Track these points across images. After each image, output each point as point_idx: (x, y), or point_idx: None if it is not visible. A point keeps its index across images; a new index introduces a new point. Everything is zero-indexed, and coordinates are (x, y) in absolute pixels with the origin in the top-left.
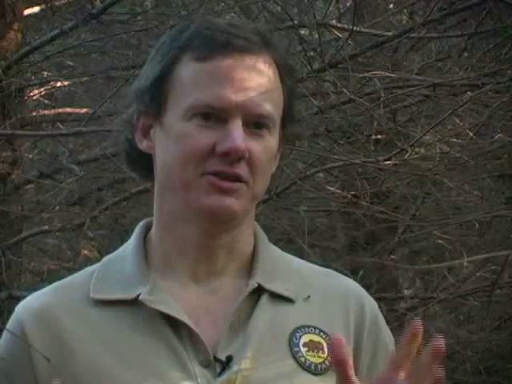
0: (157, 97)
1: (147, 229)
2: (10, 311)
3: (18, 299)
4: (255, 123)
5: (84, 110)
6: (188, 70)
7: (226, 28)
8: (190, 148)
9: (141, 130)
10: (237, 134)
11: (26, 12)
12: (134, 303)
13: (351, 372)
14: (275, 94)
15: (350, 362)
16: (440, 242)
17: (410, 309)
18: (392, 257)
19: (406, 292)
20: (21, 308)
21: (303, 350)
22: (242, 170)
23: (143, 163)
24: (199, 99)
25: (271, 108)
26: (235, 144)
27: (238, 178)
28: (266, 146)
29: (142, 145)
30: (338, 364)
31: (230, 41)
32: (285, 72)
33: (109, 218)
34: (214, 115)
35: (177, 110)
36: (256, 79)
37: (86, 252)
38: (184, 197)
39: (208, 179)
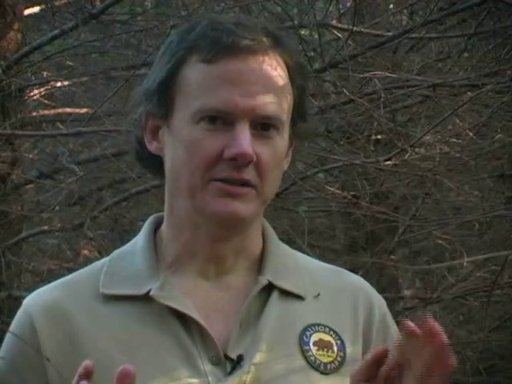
0: (164, 99)
1: (157, 224)
2: (10, 311)
3: (18, 299)
4: (263, 125)
5: (84, 110)
6: (195, 73)
7: (232, 29)
8: (198, 155)
9: (149, 131)
10: (244, 138)
11: (26, 12)
12: (144, 299)
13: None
14: (283, 94)
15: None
16: (440, 242)
17: (410, 309)
18: (392, 257)
19: (406, 292)
20: (30, 302)
21: (313, 348)
22: (249, 175)
23: (153, 163)
24: (206, 103)
25: (279, 109)
26: (243, 149)
27: (245, 183)
28: (274, 148)
29: (151, 146)
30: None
31: (236, 42)
32: (295, 70)
33: (109, 218)
34: (220, 118)
35: (184, 114)
36: (263, 81)
37: (85, 252)
38: (192, 202)
39: (215, 185)
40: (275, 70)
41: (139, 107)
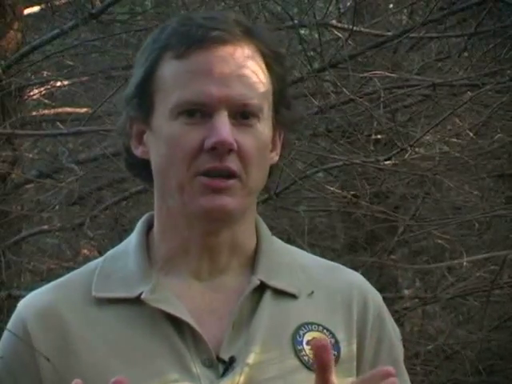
0: (144, 101)
1: (149, 224)
2: (10, 311)
3: (18, 299)
4: (241, 113)
5: (84, 110)
6: (169, 70)
7: (202, 22)
8: (179, 149)
9: (135, 137)
10: (222, 127)
11: (26, 11)
12: (137, 302)
13: (331, 378)
14: (259, 81)
15: (332, 367)
16: (440, 241)
17: (410, 309)
18: (392, 257)
19: (406, 292)
20: (23, 306)
21: (307, 348)
22: (232, 163)
23: (142, 169)
24: (182, 97)
25: (255, 96)
26: (222, 137)
27: (229, 174)
28: (256, 136)
29: (138, 151)
30: (320, 368)
31: (206, 34)
32: (271, 59)
33: (109, 218)
34: (198, 111)
35: (163, 111)
36: (236, 69)
37: (85, 252)
38: (180, 199)
39: (200, 180)
40: (248, 58)
41: (122, 114)
